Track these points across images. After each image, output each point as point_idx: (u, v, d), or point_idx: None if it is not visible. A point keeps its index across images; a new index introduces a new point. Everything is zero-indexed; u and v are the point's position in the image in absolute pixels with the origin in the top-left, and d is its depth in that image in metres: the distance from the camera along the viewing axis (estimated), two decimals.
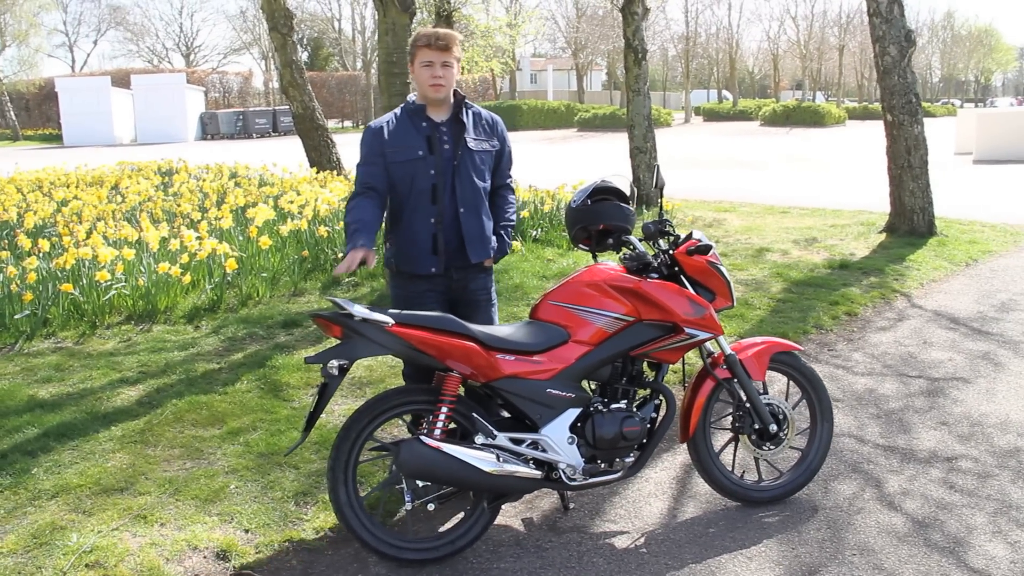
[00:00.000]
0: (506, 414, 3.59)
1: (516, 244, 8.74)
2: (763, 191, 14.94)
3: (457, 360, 3.29)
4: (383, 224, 3.69)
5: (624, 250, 3.71)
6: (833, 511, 3.74)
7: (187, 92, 46.55)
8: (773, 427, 3.73)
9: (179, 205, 9.29)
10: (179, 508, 3.75)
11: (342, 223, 8.18)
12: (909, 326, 6.56)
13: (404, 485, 3.32)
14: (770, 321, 6.48)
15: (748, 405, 3.73)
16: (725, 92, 62.62)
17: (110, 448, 4.31)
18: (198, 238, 7.17)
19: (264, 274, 7.27)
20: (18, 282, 6.38)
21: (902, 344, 6.10)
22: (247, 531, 3.60)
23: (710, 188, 15.33)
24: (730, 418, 3.83)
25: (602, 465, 3.52)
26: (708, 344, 3.72)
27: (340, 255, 7.86)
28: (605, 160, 21.35)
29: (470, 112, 3.71)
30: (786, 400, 3.90)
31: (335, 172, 12.70)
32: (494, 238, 3.81)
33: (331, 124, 42.64)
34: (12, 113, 51.99)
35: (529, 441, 3.40)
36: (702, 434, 3.71)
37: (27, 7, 52.95)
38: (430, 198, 3.61)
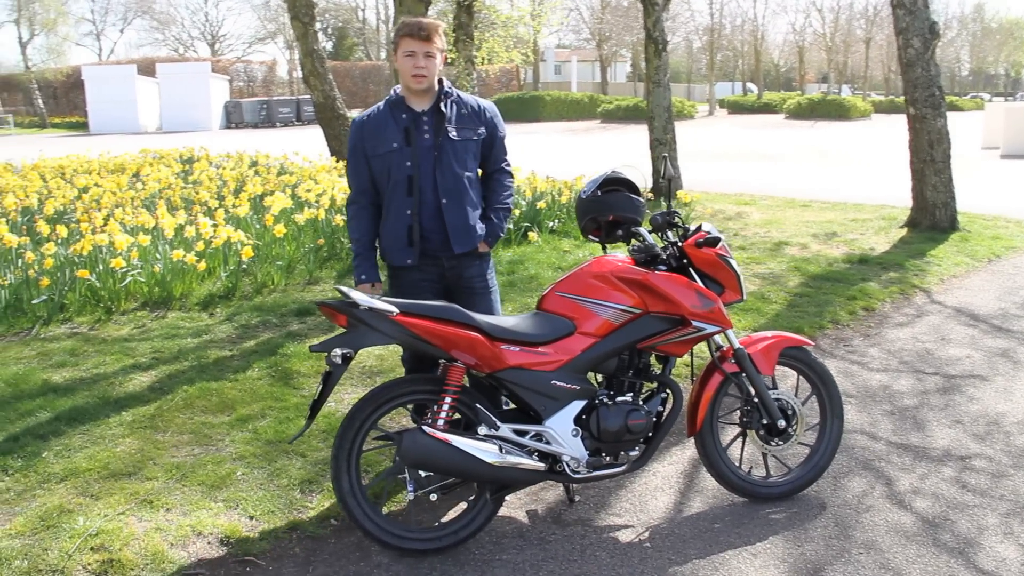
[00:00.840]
0: (513, 405, 3.58)
1: (533, 235, 8.70)
2: (785, 184, 14.81)
3: (461, 350, 3.28)
4: None
5: (634, 241, 3.67)
6: (841, 508, 3.69)
7: (212, 81, 46.81)
8: (781, 423, 3.69)
9: (197, 193, 9.33)
10: (185, 494, 3.77)
11: None
12: (927, 322, 6.48)
13: (407, 475, 3.31)
14: (786, 315, 6.41)
15: (756, 400, 3.69)
16: (750, 84, 62.09)
17: (120, 433, 4.34)
18: (214, 225, 7.20)
19: (279, 262, 7.29)
20: (36, 268, 6.44)
21: (919, 340, 6.02)
22: (252, 518, 3.62)
23: (732, 181, 15.21)
24: (738, 413, 3.80)
25: (607, 458, 3.50)
26: (717, 338, 3.68)
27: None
28: (626, 151, 21.22)
29: (451, 102, 3.67)
30: (796, 395, 3.85)
31: None
32: (482, 224, 3.76)
33: (355, 113, 42.86)
34: (40, 101, 52.54)
35: (533, 433, 3.38)
36: (709, 428, 3.67)
37: None
38: (406, 190, 3.60)
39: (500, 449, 3.29)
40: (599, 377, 3.61)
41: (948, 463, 4.13)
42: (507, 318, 3.46)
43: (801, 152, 23.00)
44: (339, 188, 8.82)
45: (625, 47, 61.00)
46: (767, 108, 48.05)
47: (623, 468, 3.50)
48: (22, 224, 8.13)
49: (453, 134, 3.63)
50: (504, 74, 56.83)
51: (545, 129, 35.56)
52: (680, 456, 4.23)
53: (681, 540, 3.48)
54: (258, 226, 8.00)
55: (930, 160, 9.54)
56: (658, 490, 3.90)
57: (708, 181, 14.69)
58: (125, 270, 6.54)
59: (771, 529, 3.54)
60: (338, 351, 3.23)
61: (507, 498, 3.77)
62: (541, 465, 3.37)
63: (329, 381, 3.29)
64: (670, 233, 3.67)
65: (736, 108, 50.76)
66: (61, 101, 56.08)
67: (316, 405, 3.34)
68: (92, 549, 3.32)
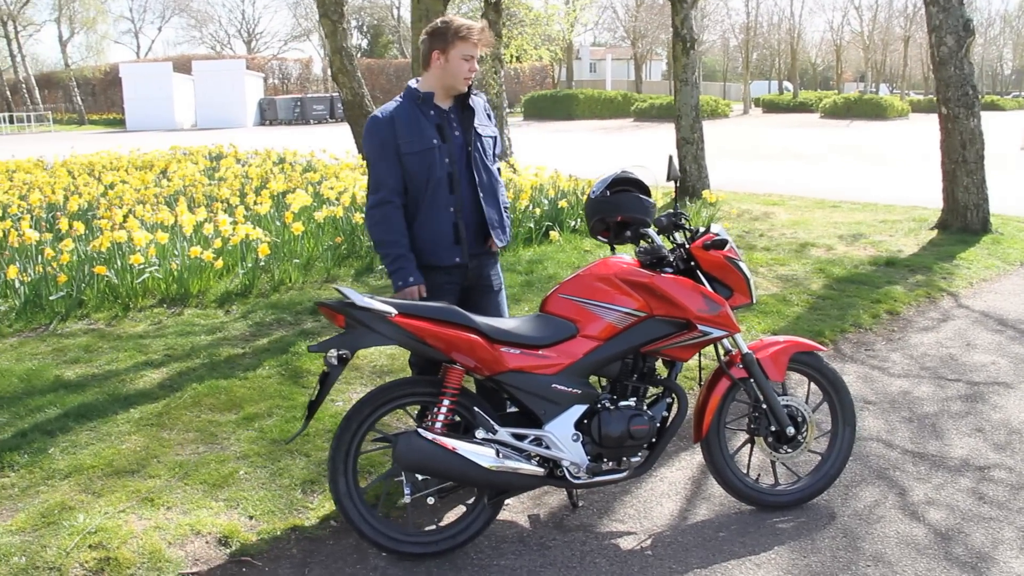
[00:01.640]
0: (515, 409, 3.52)
1: (554, 234, 8.63)
2: (815, 184, 14.60)
3: (461, 352, 3.23)
4: None
5: (642, 243, 3.60)
6: (851, 519, 3.59)
7: (246, 78, 47.31)
8: (790, 430, 3.59)
9: (220, 190, 9.37)
10: (187, 492, 3.76)
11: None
12: (953, 327, 6.32)
13: (404, 478, 3.27)
14: (807, 318, 6.29)
15: (765, 406, 3.60)
16: (786, 83, 61.44)
17: (127, 430, 4.35)
18: (233, 223, 7.21)
19: (296, 260, 7.29)
20: (55, 264, 6.49)
21: (944, 346, 5.87)
22: (251, 517, 3.59)
23: (761, 181, 15.02)
24: (747, 419, 3.71)
25: (609, 464, 3.43)
26: (726, 342, 3.60)
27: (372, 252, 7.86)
28: (657, 150, 21.05)
29: (477, 99, 3.65)
30: (806, 402, 3.76)
31: None
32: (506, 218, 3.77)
33: None
34: (79, 98, 53.44)
35: (532, 437, 3.32)
36: (716, 435, 3.59)
37: None
38: (448, 187, 3.53)
39: (497, 453, 3.23)
40: (603, 381, 3.54)
41: (966, 473, 4.01)
42: (508, 320, 3.40)
43: (834, 152, 22.69)
44: (360, 186, 8.80)
45: (660, 45, 60.61)
46: (803, 107, 47.54)
47: (625, 474, 3.43)
48: (45, 220, 8.21)
49: (481, 130, 3.61)
50: (537, 72, 56.74)
51: (578, 127, 35.45)
52: (689, 461, 4.15)
53: (684, 548, 3.40)
54: (278, 223, 8.01)
55: (962, 161, 9.33)
56: (664, 496, 3.82)
57: (737, 181, 14.52)
58: (143, 267, 6.57)
59: (777, 539, 3.45)
60: (333, 352, 3.19)
61: (509, 502, 3.72)
62: (540, 470, 3.31)
63: (327, 382, 3.25)
64: (677, 235, 3.59)
65: (771, 107, 50.28)
66: (99, 98, 56.99)
67: (314, 405, 3.31)
68: (90, 547, 3.32)
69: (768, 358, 3.59)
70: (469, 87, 3.60)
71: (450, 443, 3.17)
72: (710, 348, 3.66)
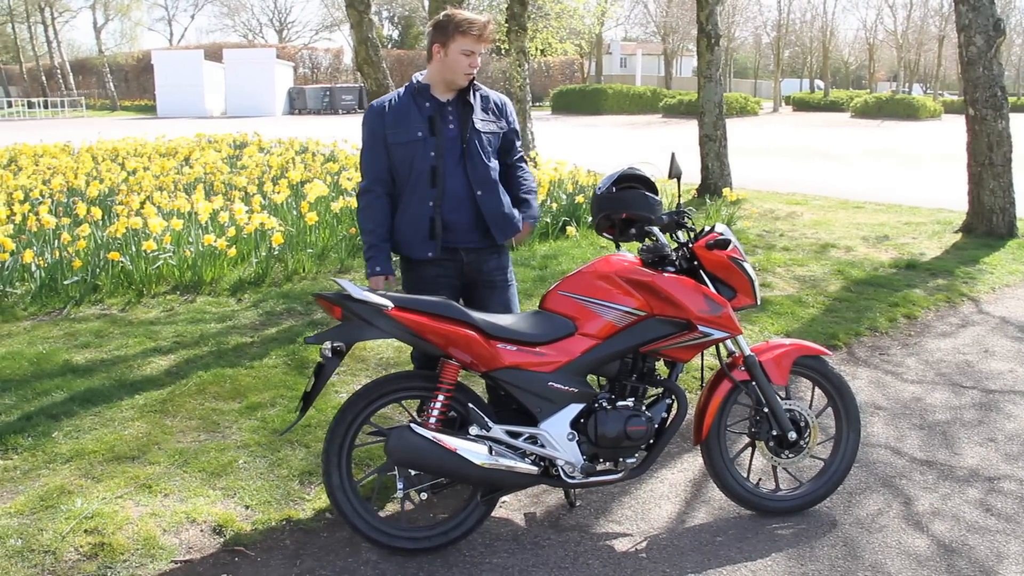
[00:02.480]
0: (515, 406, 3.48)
1: (571, 229, 8.60)
2: (841, 185, 14.42)
3: (457, 347, 3.20)
4: None
5: (647, 241, 3.55)
6: (852, 527, 3.52)
7: (276, 67, 47.53)
8: (792, 434, 3.53)
9: (239, 179, 9.41)
10: (185, 480, 3.77)
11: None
12: (972, 333, 6.20)
13: (397, 472, 3.25)
14: (821, 320, 6.20)
15: (766, 410, 3.54)
16: (818, 81, 60.77)
17: (130, 416, 4.37)
18: (248, 211, 7.23)
19: (310, 250, 7.30)
20: (70, 249, 6.54)
21: (961, 352, 5.76)
22: (247, 507, 3.59)
23: (786, 180, 14.85)
24: (748, 422, 3.65)
25: (605, 464, 3.39)
26: (728, 344, 3.54)
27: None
28: (682, 147, 20.91)
29: (478, 94, 3.61)
30: (810, 407, 3.69)
31: None
32: (517, 212, 3.70)
33: None
34: (111, 84, 53.99)
35: (527, 435, 3.29)
36: (716, 437, 3.53)
37: None
38: (429, 181, 3.51)
39: (491, 450, 3.20)
40: (602, 380, 3.50)
41: (974, 484, 3.92)
42: (506, 316, 3.36)
43: (862, 152, 22.41)
44: None
45: (691, 40, 60.15)
46: (833, 106, 47.01)
47: (621, 475, 3.39)
48: (65, 205, 8.28)
49: (479, 125, 3.56)
50: (566, 66, 56.54)
51: (605, 122, 35.29)
52: (691, 463, 4.10)
53: (679, 552, 3.36)
54: (295, 213, 8.02)
55: (989, 163, 9.16)
56: (663, 498, 3.78)
57: (762, 179, 14.37)
58: (157, 253, 6.60)
59: (775, 546, 3.39)
60: (328, 344, 3.18)
61: (506, 499, 3.70)
62: (534, 469, 3.27)
63: (322, 374, 3.24)
64: (680, 234, 3.54)
65: (802, 105, 49.77)
66: (131, 84, 57.58)
67: (309, 397, 3.29)
68: (86, 532, 3.33)
69: (771, 361, 3.52)
70: (471, 82, 3.56)
71: (442, 439, 3.15)
72: (713, 349, 3.61)
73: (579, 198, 9.08)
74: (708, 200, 11.11)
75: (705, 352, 3.58)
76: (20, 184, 8.97)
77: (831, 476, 3.67)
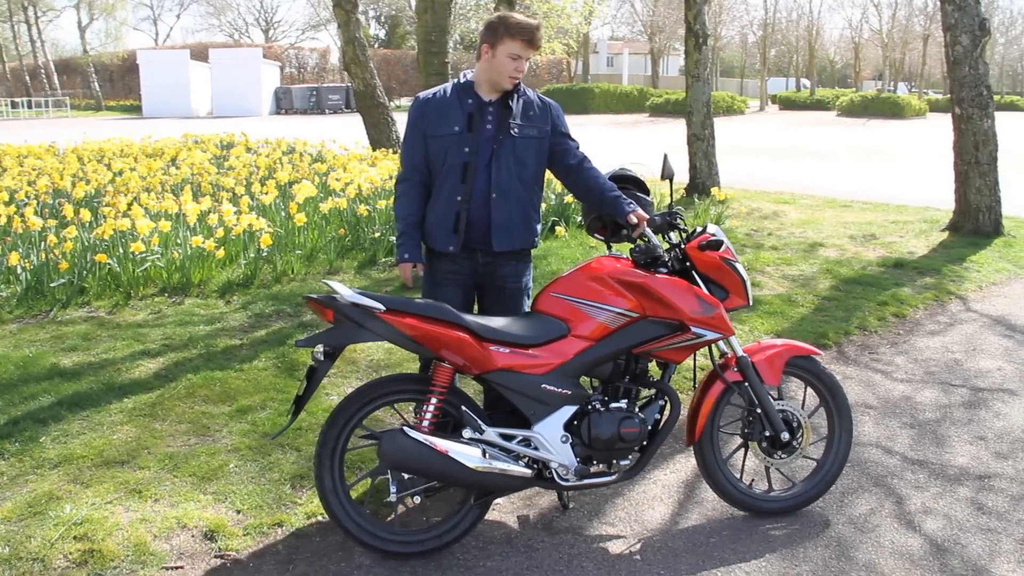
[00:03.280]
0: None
1: (560, 229, 8.58)
2: (828, 183, 14.47)
3: (449, 350, 3.18)
4: None
5: (639, 242, 3.54)
6: (845, 527, 3.53)
7: (263, 67, 47.35)
8: (785, 435, 3.53)
9: (226, 179, 9.35)
10: (175, 484, 3.73)
11: (382, 202, 8.16)
12: (960, 331, 6.23)
13: (390, 476, 3.23)
14: (811, 319, 6.22)
15: (759, 410, 3.54)
16: (804, 80, 61.00)
17: (119, 420, 4.33)
18: (236, 213, 7.19)
19: (299, 251, 7.26)
20: (56, 251, 6.48)
21: (949, 350, 5.79)
22: (239, 512, 3.57)
23: (773, 179, 14.90)
24: (741, 423, 3.65)
25: (599, 466, 3.38)
26: (721, 344, 3.54)
27: (377, 234, 7.82)
28: (670, 146, 20.94)
29: (519, 99, 3.55)
30: (803, 407, 3.69)
31: (393, 151, 12.65)
32: (528, 227, 3.62)
33: (403, 102, 42.87)
34: (96, 84, 53.63)
35: (520, 438, 3.27)
36: (708, 438, 3.53)
37: None
38: (460, 176, 3.49)
39: (484, 453, 3.19)
40: (594, 382, 3.49)
41: (965, 482, 3.94)
42: (498, 319, 3.34)
43: (848, 150, 22.51)
44: (366, 178, 8.77)
45: (678, 40, 60.25)
46: (819, 105, 47.18)
47: (614, 477, 3.38)
48: (51, 207, 8.21)
49: (515, 131, 3.51)
50: (553, 65, 56.51)
51: (593, 121, 35.28)
52: (684, 465, 4.09)
53: (673, 553, 3.35)
54: (283, 214, 7.98)
55: (975, 162, 9.21)
56: (656, 499, 3.77)
57: (749, 178, 14.41)
58: (144, 255, 6.55)
59: (768, 546, 3.40)
60: (319, 347, 3.16)
61: (499, 502, 3.68)
62: (527, 471, 3.26)
63: (314, 377, 3.22)
64: (672, 235, 3.54)
65: (788, 104, 49.93)
66: (117, 84, 57.24)
67: (301, 401, 3.27)
68: (75, 538, 3.30)
69: (763, 361, 3.53)
70: (516, 86, 3.54)
71: (435, 442, 3.13)
72: (705, 349, 3.61)
73: (568, 198, 9.07)
74: (697, 199, 11.13)
75: (697, 353, 3.58)
76: (5, 185, 8.88)
77: (824, 476, 3.68)
